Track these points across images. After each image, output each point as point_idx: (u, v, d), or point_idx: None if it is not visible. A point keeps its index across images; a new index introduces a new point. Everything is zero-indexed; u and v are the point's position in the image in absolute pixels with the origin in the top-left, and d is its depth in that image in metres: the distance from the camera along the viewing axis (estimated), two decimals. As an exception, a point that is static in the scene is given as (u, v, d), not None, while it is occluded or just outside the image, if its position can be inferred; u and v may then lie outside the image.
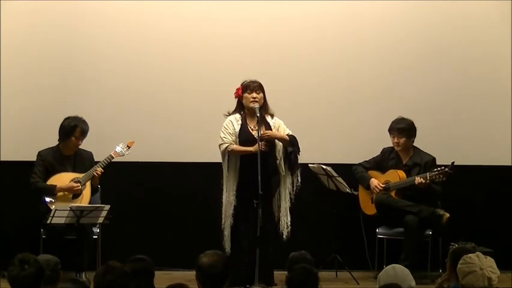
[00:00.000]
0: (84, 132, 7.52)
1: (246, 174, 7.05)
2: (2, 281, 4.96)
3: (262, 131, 7.04)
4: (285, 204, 7.20)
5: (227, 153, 7.09)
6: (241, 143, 7.09)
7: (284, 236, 7.15)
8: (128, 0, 8.21)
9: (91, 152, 7.68)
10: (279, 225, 7.18)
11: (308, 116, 8.16)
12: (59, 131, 7.55)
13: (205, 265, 4.57)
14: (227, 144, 7.08)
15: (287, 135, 7.15)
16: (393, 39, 8.29)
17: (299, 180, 7.21)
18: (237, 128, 7.10)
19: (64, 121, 7.55)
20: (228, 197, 7.09)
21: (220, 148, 7.12)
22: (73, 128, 7.49)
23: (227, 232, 7.09)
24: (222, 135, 7.11)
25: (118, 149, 7.59)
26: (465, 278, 4.63)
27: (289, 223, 7.19)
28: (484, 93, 8.32)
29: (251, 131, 7.12)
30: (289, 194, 7.20)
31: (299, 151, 7.16)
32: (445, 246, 7.11)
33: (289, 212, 7.22)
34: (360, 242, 7.90)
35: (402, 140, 7.77)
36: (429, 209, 7.64)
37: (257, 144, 6.93)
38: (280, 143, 7.16)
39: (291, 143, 7.12)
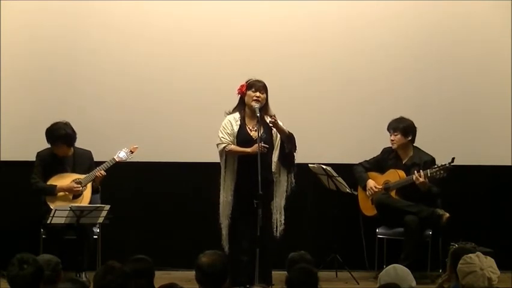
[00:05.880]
0: (68, 142, 7.44)
1: (243, 175, 7.02)
2: (1, 281, 4.94)
3: (262, 129, 7.02)
4: (280, 202, 7.17)
5: (225, 153, 7.07)
6: (238, 144, 7.06)
7: (278, 234, 7.13)
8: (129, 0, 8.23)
9: (89, 151, 7.67)
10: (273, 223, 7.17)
11: (307, 116, 8.16)
12: (47, 141, 7.51)
13: (205, 265, 4.58)
14: (225, 145, 7.05)
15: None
16: (393, 38, 8.29)
17: (293, 181, 7.17)
18: (236, 128, 7.08)
19: (46, 133, 7.46)
20: (226, 197, 7.06)
21: (218, 148, 7.08)
22: (54, 142, 7.44)
23: (225, 232, 7.09)
24: (221, 135, 7.07)
25: (122, 154, 7.55)
26: (465, 278, 4.64)
27: (282, 221, 7.15)
28: (484, 93, 8.32)
29: (249, 131, 7.10)
30: (286, 192, 7.17)
31: (295, 149, 7.11)
32: (445, 246, 7.12)
33: (284, 210, 7.14)
34: (360, 242, 7.90)
35: (397, 138, 7.76)
36: (429, 209, 7.64)
37: (255, 145, 6.90)
38: (279, 144, 7.13)
39: (289, 139, 7.07)
